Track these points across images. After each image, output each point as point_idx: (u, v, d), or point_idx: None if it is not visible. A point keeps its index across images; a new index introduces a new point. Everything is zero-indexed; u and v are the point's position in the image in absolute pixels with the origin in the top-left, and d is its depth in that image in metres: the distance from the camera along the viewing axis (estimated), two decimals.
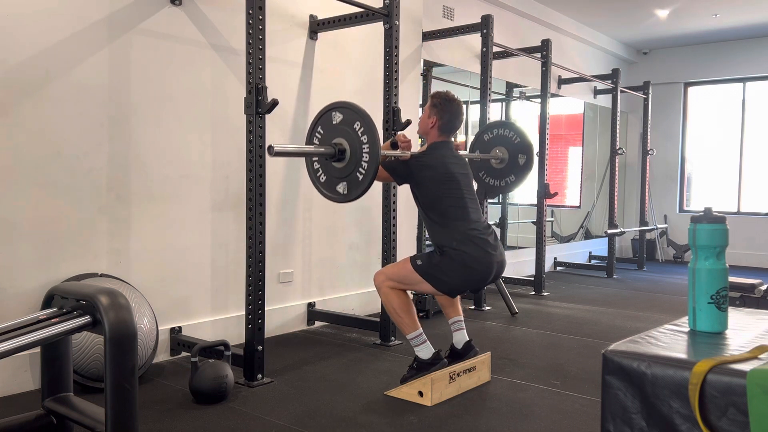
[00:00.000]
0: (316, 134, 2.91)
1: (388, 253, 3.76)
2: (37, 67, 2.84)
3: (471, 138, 6.23)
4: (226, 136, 3.61)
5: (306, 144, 2.96)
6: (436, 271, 2.93)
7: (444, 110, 3.10)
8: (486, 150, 4.07)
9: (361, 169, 2.74)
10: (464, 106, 3.22)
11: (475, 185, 3.27)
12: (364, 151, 2.72)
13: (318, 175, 2.95)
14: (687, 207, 8.85)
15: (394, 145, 3.11)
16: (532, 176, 5.69)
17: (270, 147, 2.69)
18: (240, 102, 3.11)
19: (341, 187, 2.84)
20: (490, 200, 5.16)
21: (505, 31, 5.97)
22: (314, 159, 2.96)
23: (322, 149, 2.82)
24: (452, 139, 3.21)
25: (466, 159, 3.36)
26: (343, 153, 2.79)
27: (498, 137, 4.04)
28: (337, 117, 2.82)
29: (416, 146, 3.62)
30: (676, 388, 1.25)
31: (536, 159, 4.00)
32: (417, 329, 3.00)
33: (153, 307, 3.13)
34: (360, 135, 2.74)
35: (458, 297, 3.30)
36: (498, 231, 6.60)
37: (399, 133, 3.22)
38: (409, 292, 3.08)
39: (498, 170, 4.08)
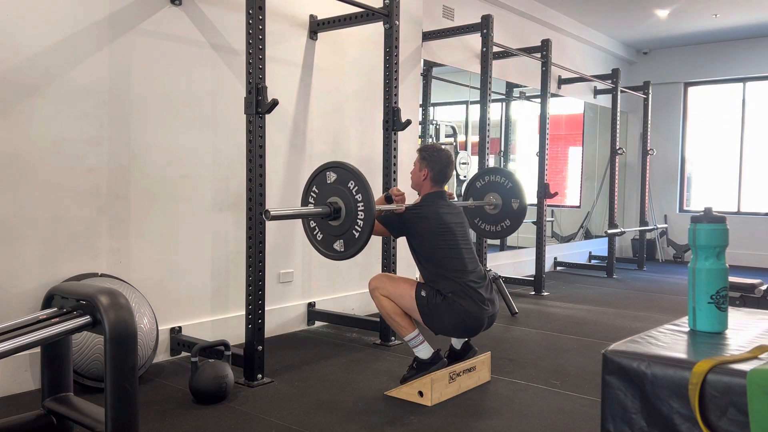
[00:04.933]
0: (312, 193, 2.95)
1: (388, 253, 3.76)
2: (37, 66, 2.84)
3: (471, 137, 6.24)
4: (226, 136, 3.61)
5: (302, 204, 3.01)
6: (434, 311, 2.95)
7: (434, 161, 3.15)
8: (479, 197, 4.13)
9: (357, 227, 2.79)
10: (453, 155, 3.30)
11: (472, 234, 3.28)
12: (359, 209, 2.77)
13: (315, 233, 2.99)
14: (687, 207, 8.85)
15: (389, 199, 3.15)
16: (532, 176, 5.72)
17: (266, 212, 2.73)
18: (240, 102, 3.11)
19: (338, 245, 2.88)
20: None
21: (505, 31, 5.97)
22: (311, 219, 3.00)
23: (318, 209, 2.86)
24: (445, 188, 3.24)
25: (461, 208, 3.41)
26: (338, 212, 2.83)
27: (490, 183, 4.11)
28: (332, 176, 2.88)
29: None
30: (676, 388, 1.25)
31: (528, 203, 4.11)
32: (414, 330, 3.00)
33: (153, 307, 3.13)
34: (354, 194, 2.79)
35: None
36: None
37: (393, 188, 3.28)
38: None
39: (492, 216, 4.13)
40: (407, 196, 3.25)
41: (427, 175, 3.16)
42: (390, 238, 3.77)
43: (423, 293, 2.95)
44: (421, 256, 3.07)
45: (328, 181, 2.89)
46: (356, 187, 2.78)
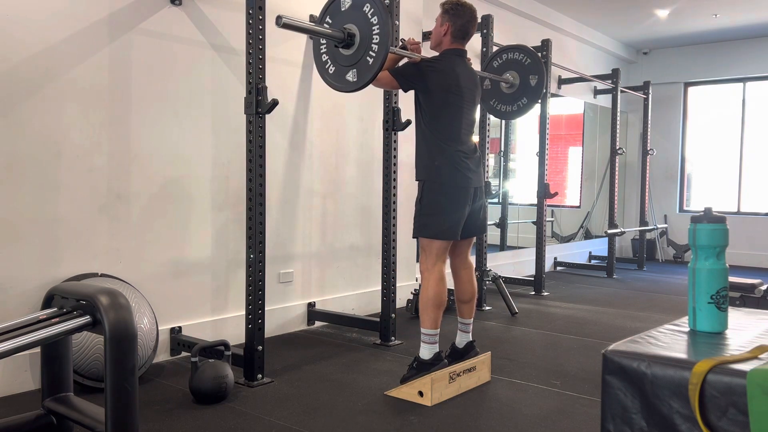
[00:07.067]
0: (325, 24, 2.88)
1: (388, 253, 3.76)
2: (37, 66, 2.84)
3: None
4: (226, 135, 3.61)
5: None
6: (424, 221, 2.98)
7: (457, 15, 3.03)
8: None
9: (371, 52, 2.70)
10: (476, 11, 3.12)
11: (477, 114, 3.21)
12: (374, 33, 2.68)
13: (327, 66, 2.93)
14: (687, 207, 8.85)
15: (404, 49, 3.06)
16: (532, 176, 5.71)
17: (279, 17, 2.64)
18: (240, 102, 3.11)
19: (351, 75, 2.81)
20: (490, 200, 5.17)
21: (505, 31, 5.96)
22: (322, 51, 2.94)
23: (331, 31, 2.79)
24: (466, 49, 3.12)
25: (477, 74, 3.23)
26: (352, 38, 2.76)
27: (507, 62, 3.94)
28: (346, 3, 2.79)
29: None
30: (676, 388, 1.25)
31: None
32: (436, 328, 3.01)
33: (153, 307, 3.13)
34: (370, 17, 2.70)
35: (474, 299, 3.29)
36: (498, 231, 6.60)
37: (409, 37, 3.17)
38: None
39: (509, 95, 3.97)
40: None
41: (447, 30, 3.04)
42: (391, 232, 3.77)
43: (414, 232, 3.04)
44: (425, 113, 3.03)
45: (343, 9, 2.80)
46: (372, 10, 2.68)
